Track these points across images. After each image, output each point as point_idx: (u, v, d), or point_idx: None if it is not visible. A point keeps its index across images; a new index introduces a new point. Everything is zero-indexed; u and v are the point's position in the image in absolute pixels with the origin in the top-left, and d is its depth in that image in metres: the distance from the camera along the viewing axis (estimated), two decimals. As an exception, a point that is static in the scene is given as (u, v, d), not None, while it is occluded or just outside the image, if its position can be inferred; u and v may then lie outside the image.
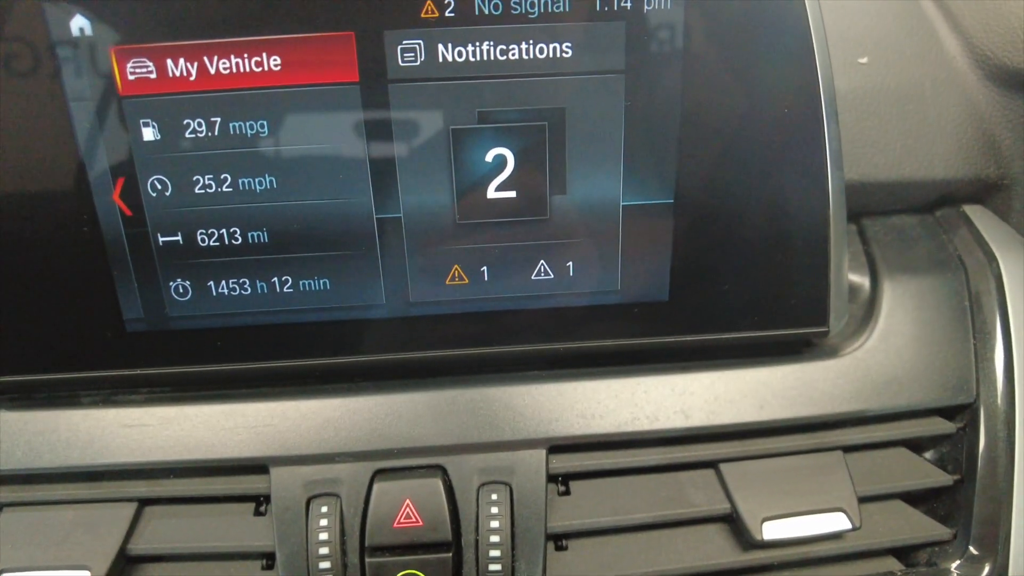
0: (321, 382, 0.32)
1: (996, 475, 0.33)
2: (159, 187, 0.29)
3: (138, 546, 0.30)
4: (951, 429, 0.34)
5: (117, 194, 0.29)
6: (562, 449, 0.31)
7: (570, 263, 0.31)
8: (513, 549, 0.29)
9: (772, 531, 0.30)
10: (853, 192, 0.39)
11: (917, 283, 0.37)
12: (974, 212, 0.40)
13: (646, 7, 0.27)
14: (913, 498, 0.35)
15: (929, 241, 0.39)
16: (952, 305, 0.36)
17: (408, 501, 0.29)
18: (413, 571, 0.29)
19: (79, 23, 0.27)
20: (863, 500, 0.32)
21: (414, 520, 0.29)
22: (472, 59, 0.27)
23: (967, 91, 0.39)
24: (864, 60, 0.40)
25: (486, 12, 0.27)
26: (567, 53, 0.28)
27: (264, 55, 0.27)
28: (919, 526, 0.33)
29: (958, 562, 0.32)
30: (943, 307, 0.36)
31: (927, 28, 0.40)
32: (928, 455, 0.35)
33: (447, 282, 0.31)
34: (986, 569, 0.32)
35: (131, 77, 0.27)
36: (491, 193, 0.29)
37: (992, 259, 0.37)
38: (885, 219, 0.41)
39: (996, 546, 0.32)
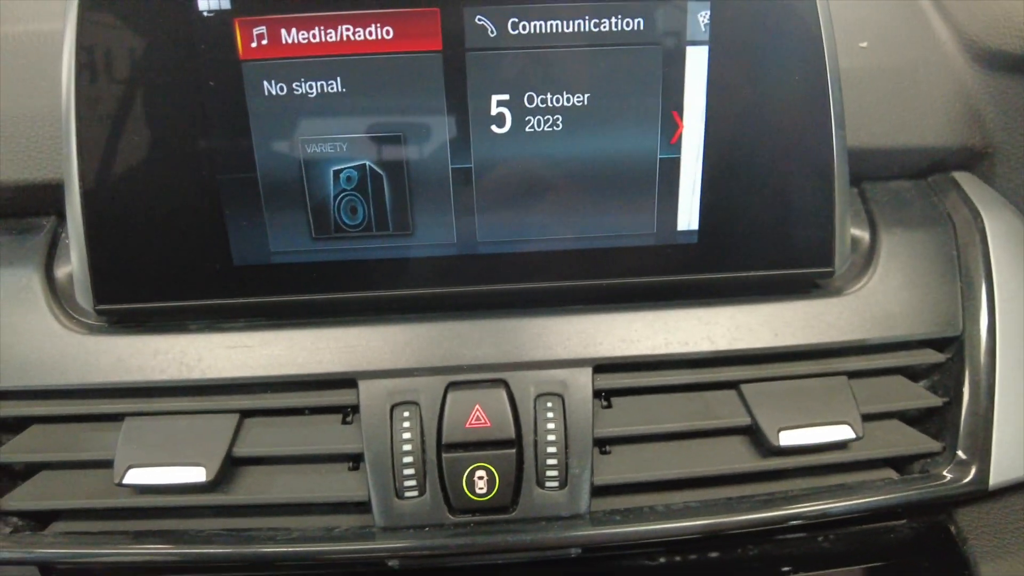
0: (402, 310, 0.37)
1: (979, 396, 0.38)
2: (268, 139, 0.34)
3: (242, 450, 0.35)
4: (941, 359, 0.39)
5: (232, 144, 0.34)
6: (605, 369, 0.36)
7: (614, 209, 0.36)
8: (566, 450, 0.34)
9: (787, 439, 0.35)
10: (855, 158, 0.44)
11: (911, 236, 0.42)
12: (962, 177, 0.46)
13: (682, -11, 0.32)
14: (909, 419, 0.40)
15: (922, 201, 0.44)
16: (942, 254, 0.41)
17: (478, 406, 0.34)
18: (483, 463, 0.34)
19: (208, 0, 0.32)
20: (865, 418, 0.37)
21: (483, 422, 0.34)
22: (538, 33, 0.32)
23: (955, 71, 0.44)
24: (864, 44, 0.45)
25: (550, -9, 0.32)
26: (616, 27, 0.33)
27: (363, 26, 0.32)
28: (914, 440, 0.38)
29: (948, 468, 0.37)
30: (934, 256, 0.41)
31: (920, 16, 0.45)
32: (922, 383, 0.40)
33: (510, 225, 0.36)
34: (972, 471, 0.37)
35: (251, 44, 0.32)
36: (550, 147, 0.34)
37: (977, 216, 0.42)
38: (884, 183, 0.46)
39: (980, 453, 0.37)
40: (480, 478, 0.33)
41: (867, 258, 0.41)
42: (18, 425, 0.36)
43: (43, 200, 0.40)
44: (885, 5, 0.46)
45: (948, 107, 0.44)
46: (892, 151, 0.44)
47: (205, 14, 0.32)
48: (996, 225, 0.42)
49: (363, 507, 0.35)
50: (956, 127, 0.44)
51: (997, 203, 0.43)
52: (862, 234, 0.43)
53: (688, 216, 0.36)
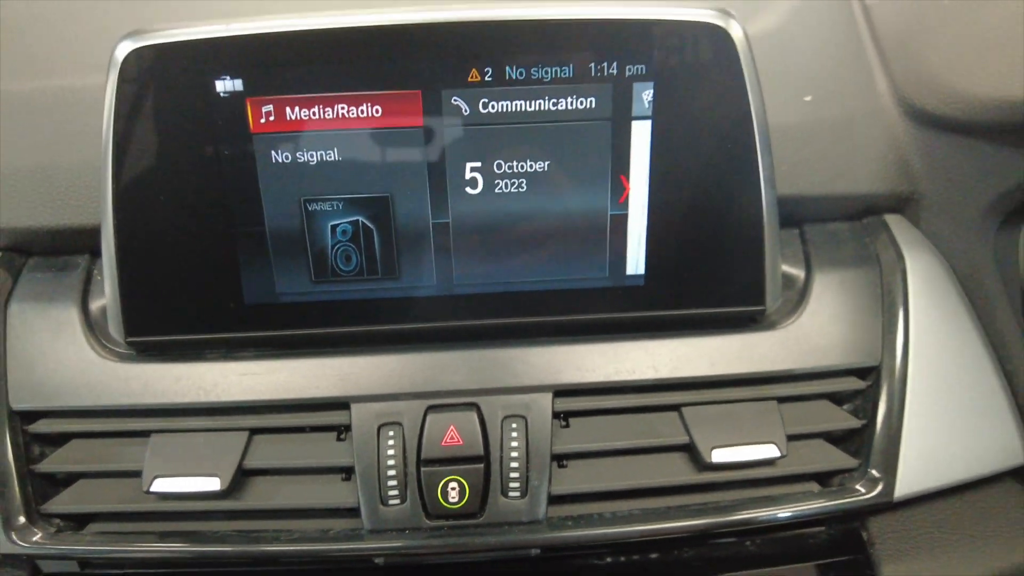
0: (389, 343, 0.42)
1: (891, 419, 0.43)
2: (275, 198, 0.39)
3: (251, 463, 0.41)
4: (862, 386, 0.44)
5: (245, 202, 0.39)
6: (564, 394, 0.42)
7: (571, 256, 0.41)
8: (527, 464, 0.40)
9: (719, 456, 0.41)
10: (796, 203, 0.50)
11: (841, 275, 0.47)
12: (893, 220, 0.51)
13: (626, 74, 0.38)
14: (835, 439, 0.45)
15: (854, 242, 0.49)
16: (867, 292, 0.46)
17: (452, 427, 0.40)
18: (455, 477, 0.39)
19: (224, 82, 0.38)
20: (794, 438, 0.43)
21: (456, 441, 0.40)
22: (504, 111, 0.38)
23: (889, 124, 0.49)
24: (808, 98, 0.50)
25: (514, 77, 0.38)
26: (571, 106, 0.38)
27: (355, 106, 0.38)
28: (834, 458, 0.43)
29: (861, 482, 0.43)
30: (860, 294, 0.46)
31: (865, 69, 0.50)
32: (846, 407, 0.45)
33: (482, 270, 0.41)
34: (880, 487, 0.42)
35: (261, 120, 0.38)
36: (515, 207, 0.40)
37: (901, 258, 0.47)
38: (822, 225, 0.51)
39: (888, 469, 0.42)
40: (452, 489, 0.39)
41: (801, 295, 0.47)
42: (60, 440, 0.42)
43: (78, 240, 0.46)
44: (834, 58, 0.51)
45: (881, 157, 0.49)
46: (830, 197, 0.49)
47: (222, 95, 0.38)
48: (916, 266, 0.47)
49: (353, 512, 0.40)
50: (887, 175, 0.49)
51: (920, 245, 0.49)
52: (798, 272, 0.48)
53: (636, 262, 0.42)
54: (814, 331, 0.44)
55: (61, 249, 0.47)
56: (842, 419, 0.44)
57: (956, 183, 0.48)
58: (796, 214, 0.51)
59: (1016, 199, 0.46)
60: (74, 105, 0.46)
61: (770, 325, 0.44)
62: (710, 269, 0.42)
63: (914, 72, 0.48)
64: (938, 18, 0.47)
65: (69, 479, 0.42)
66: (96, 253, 0.46)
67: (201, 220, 0.40)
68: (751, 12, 0.52)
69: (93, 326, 0.44)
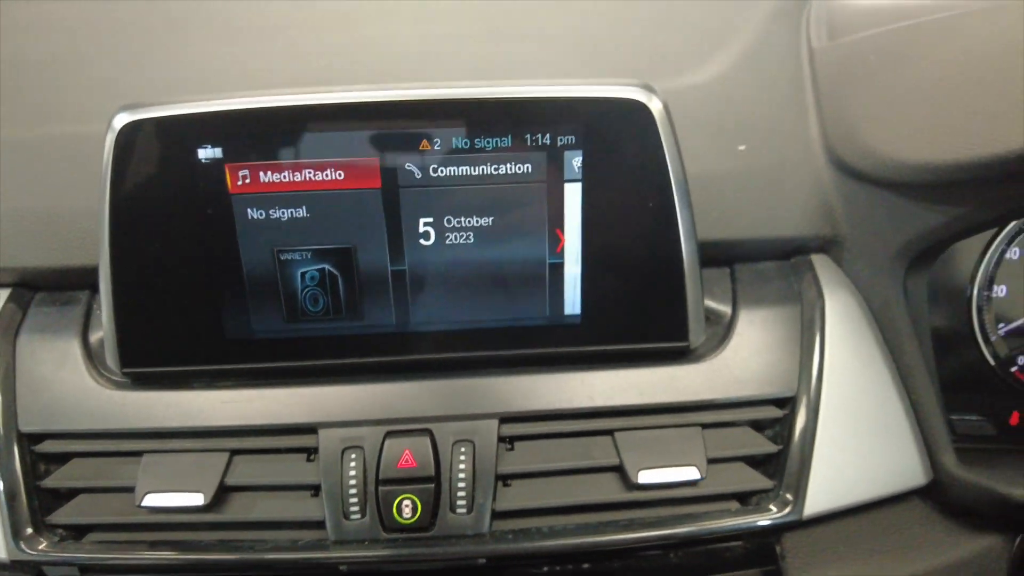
0: (353, 375, 0.48)
1: (804, 445, 0.48)
2: (251, 250, 0.45)
3: (231, 480, 0.46)
4: (780, 414, 0.49)
5: (225, 253, 0.45)
6: (510, 420, 0.47)
7: (515, 298, 0.47)
8: (474, 484, 0.45)
9: (645, 477, 0.46)
10: (728, 246, 0.55)
11: (764, 312, 0.52)
12: (818, 260, 0.55)
13: (559, 143, 0.43)
14: (756, 462, 0.50)
15: (780, 281, 0.54)
16: (788, 328, 0.51)
17: (408, 451, 0.45)
18: (409, 495, 0.45)
19: (206, 150, 0.43)
20: (716, 461, 0.48)
21: (411, 463, 0.45)
22: (452, 175, 0.43)
23: (816, 170, 0.54)
24: (743, 147, 0.55)
25: (459, 147, 0.43)
26: (511, 170, 0.44)
27: (321, 171, 0.43)
28: (751, 479, 0.48)
29: (775, 502, 0.48)
30: (781, 329, 0.51)
31: (801, 116, 0.55)
32: (767, 432, 0.50)
33: (436, 311, 0.47)
34: (790, 506, 0.47)
35: (238, 183, 0.43)
36: (464, 256, 0.45)
37: (821, 296, 0.52)
38: (752, 264, 0.56)
39: (799, 491, 0.47)
40: (407, 506, 0.44)
41: (726, 330, 0.51)
42: (63, 459, 0.47)
43: (80, 278, 0.51)
44: (773, 105, 0.55)
45: (807, 201, 0.53)
46: (759, 240, 0.54)
47: (204, 161, 0.43)
48: (834, 304, 0.52)
49: (320, 525, 0.45)
50: (812, 219, 0.54)
51: (840, 284, 0.53)
52: (725, 309, 0.53)
53: (572, 303, 0.47)
54: (736, 364, 0.49)
55: (64, 285, 0.52)
56: (760, 444, 0.49)
57: (872, 228, 0.52)
58: (728, 255, 0.56)
59: (921, 245, 0.50)
60: (77, 152, 0.51)
61: (696, 358, 0.49)
62: (639, 309, 0.47)
63: (838, 123, 0.53)
64: (862, 73, 0.52)
65: (71, 494, 0.47)
66: (96, 289, 0.52)
67: (187, 268, 0.45)
68: (707, 52, 0.57)
69: (93, 356, 0.49)
